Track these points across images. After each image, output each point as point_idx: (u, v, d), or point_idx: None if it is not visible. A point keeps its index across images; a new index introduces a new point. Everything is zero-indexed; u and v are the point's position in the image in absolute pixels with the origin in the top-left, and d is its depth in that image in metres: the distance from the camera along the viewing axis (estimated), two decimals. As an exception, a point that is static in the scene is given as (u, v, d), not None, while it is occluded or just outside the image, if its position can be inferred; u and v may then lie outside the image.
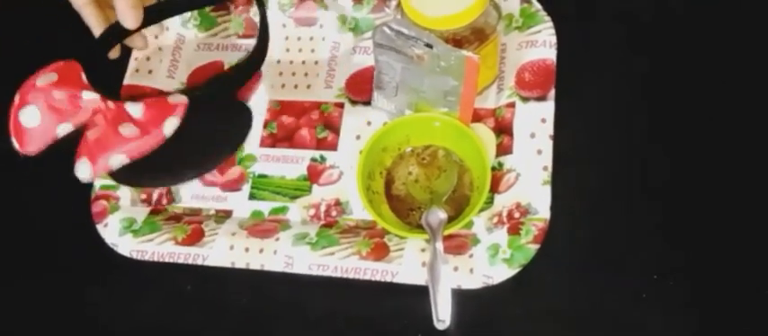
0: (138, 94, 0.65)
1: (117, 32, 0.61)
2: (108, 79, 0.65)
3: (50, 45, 0.65)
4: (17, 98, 0.53)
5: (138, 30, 0.62)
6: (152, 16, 0.62)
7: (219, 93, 0.60)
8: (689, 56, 0.59)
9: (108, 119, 0.53)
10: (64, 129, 0.53)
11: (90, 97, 0.53)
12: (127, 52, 0.66)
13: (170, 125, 0.53)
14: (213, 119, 0.59)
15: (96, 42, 0.61)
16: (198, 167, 0.59)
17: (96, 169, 0.53)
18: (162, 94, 0.56)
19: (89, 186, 0.61)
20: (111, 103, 0.54)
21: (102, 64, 0.61)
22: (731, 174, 0.55)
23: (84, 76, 0.54)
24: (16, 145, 0.53)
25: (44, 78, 0.53)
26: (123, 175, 0.57)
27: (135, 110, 0.53)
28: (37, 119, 0.53)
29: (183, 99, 0.54)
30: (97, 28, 0.62)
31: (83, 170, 0.53)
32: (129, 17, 0.59)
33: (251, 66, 0.61)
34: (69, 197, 0.61)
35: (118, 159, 0.53)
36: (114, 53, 0.64)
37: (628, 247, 0.54)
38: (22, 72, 0.55)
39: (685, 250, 0.53)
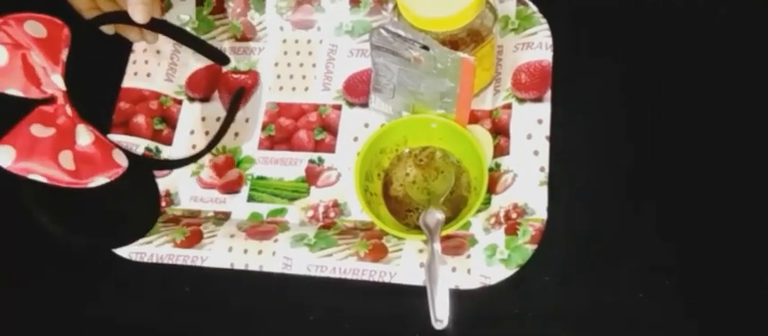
0: (136, 99, 0.65)
1: (116, 18, 0.61)
2: (106, 81, 0.66)
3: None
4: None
5: (140, 28, 0.62)
6: (157, 25, 0.62)
7: (158, 167, 0.60)
8: (686, 55, 0.60)
9: (57, 128, 0.51)
10: (12, 91, 0.51)
11: (57, 83, 0.51)
12: (125, 54, 0.67)
13: (98, 181, 0.52)
14: (133, 194, 0.58)
15: (90, 21, 0.60)
16: (95, 235, 0.58)
17: (14, 167, 0.50)
18: (111, 143, 0.55)
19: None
20: (68, 109, 0.52)
21: (98, 58, 0.61)
22: (728, 173, 0.55)
23: (65, 53, 0.52)
24: None
25: (32, 27, 0.51)
26: (31, 198, 0.55)
27: (84, 137, 0.52)
28: (1, 62, 0.50)
29: (124, 162, 0.53)
30: (86, 13, 0.61)
31: (3, 157, 0.50)
32: (138, 12, 0.58)
33: (202, 152, 0.61)
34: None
35: (37, 177, 0.51)
36: (109, 29, 0.64)
37: (625, 246, 0.54)
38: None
39: (682, 249, 0.54)
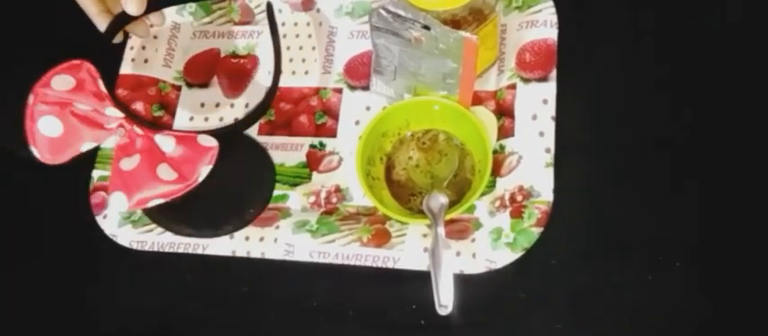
0: (134, 85, 0.64)
1: (120, 22, 0.61)
2: (104, 69, 0.65)
3: (49, 26, 0.65)
4: (32, 100, 0.53)
5: (140, 17, 0.61)
6: (153, 3, 0.61)
7: (244, 128, 0.60)
8: (693, 33, 0.58)
9: (141, 152, 0.53)
10: (87, 146, 0.54)
11: (114, 114, 0.53)
12: (123, 41, 0.66)
13: (204, 172, 0.54)
14: (241, 164, 0.58)
15: (103, 36, 0.61)
16: (229, 220, 0.57)
17: (132, 205, 0.54)
18: (192, 133, 0.56)
19: (88, 177, 0.61)
20: (137, 128, 0.54)
21: (100, 53, 0.60)
22: (737, 155, 0.54)
23: (101, 84, 0.54)
24: (36, 153, 0.53)
25: (61, 81, 0.53)
26: (155, 215, 0.57)
27: (167, 144, 0.54)
28: (58, 130, 0.53)
29: (213, 142, 0.55)
30: (96, 17, 0.61)
31: (119, 204, 0.53)
32: (132, 3, 0.58)
33: (267, 100, 0.61)
34: (68, 188, 0.61)
35: (155, 201, 0.54)
36: (117, 38, 0.64)
37: (632, 229, 0.53)
38: (22, 56, 0.54)
39: (691, 231, 0.53)
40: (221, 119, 0.62)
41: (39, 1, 0.68)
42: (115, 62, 0.65)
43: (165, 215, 0.57)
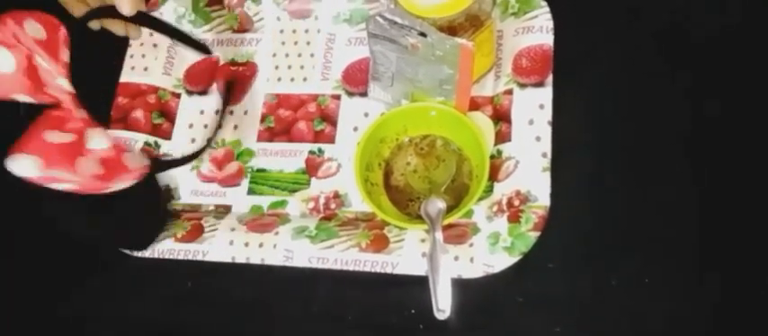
0: (134, 93, 0.65)
1: (104, 14, 0.61)
2: (104, 77, 0.65)
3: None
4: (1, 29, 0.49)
5: (125, 21, 0.61)
6: (141, 19, 0.61)
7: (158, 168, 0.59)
8: (689, 36, 0.59)
9: (75, 133, 0.50)
10: (23, 99, 0.49)
11: (64, 86, 0.50)
12: (122, 49, 0.66)
13: (118, 185, 0.51)
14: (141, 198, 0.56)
15: (78, 20, 0.59)
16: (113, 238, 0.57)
17: (39, 177, 0.48)
18: (123, 146, 0.53)
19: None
20: (79, 113, 0.50)
21: (95, 54, 0.60)
22: (736, 157, 0.54)
23: (66, 54, 0.51)
24: None
25: (33, 28, 0.50)
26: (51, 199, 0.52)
27: (99, 141, 0.50)
28: (10, 68, 0.48)
29: (143, 163, 0.52)
30: (74, 6, 0.61)
31: (26, 167, 0.48)
32: (126, 5, 0.58)
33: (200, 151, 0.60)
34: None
35: (66, 185, 0.49)
36: (95, 25, 0.64)
37: (630, 232, 0.54)
38: None
39: (688, 234, 0.53)
40: (220, 127, 0.63)
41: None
42: (115, 70, 0.66)
43: (58, 205, 0.52)
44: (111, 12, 0.59)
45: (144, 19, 0.62)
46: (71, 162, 0.49)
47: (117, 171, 0.51)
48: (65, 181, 0.49)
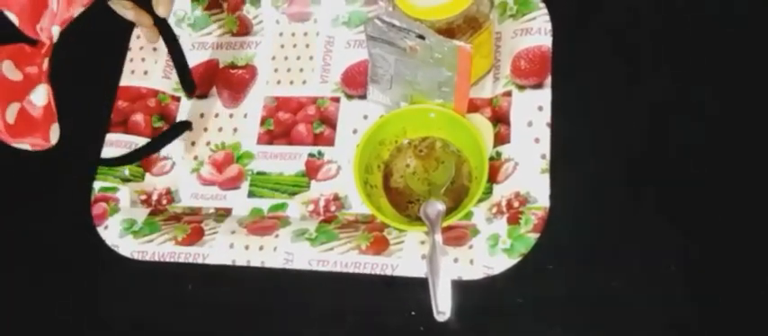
0: (134, 97, 0.65)
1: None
2: (104, 77, 0.65)
3: None
4: None
5: (155, 23, 0.61)
6: (166, 29, 0.61)
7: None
8: (688, 37, 0.59)
9: (24, 78, 0.48)
10: (8, 15, 0.48)
11: (51, 34, 0.49)
12: (122, 53, 0.66)
13: (22, 145, 0.49)
14: None
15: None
16: None
17: None
18: (54, 116, 0.51)
19: (89, 189, 0.62)
20: (45, 64, 0.49)
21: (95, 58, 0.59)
22: (732, 159, 0.54)
23: (78, 11, 0.50)
24: None
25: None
26: None
27: (39, 97, 0.49)
28: None
29: (53, 141, 0.50)
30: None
31: None
32: (162, 5, 0.57)
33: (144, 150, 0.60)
34: (69, 200, 0.62)
35: None
36: (129, 14, 0.61)
37: (629, 233, 0.54)
38: None
39: (686, 235, 0.53)
40: (220, 130, 0.63)
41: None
42: (115, 74, 0.66)
43: None
44: (147, 3, 0.58)
45: (167, 30, 0.61)
46: (1, 102, 0.48)
47: (29, 132, 0.50)
48: None
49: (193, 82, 0.63)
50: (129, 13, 0.61)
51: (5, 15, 0.49)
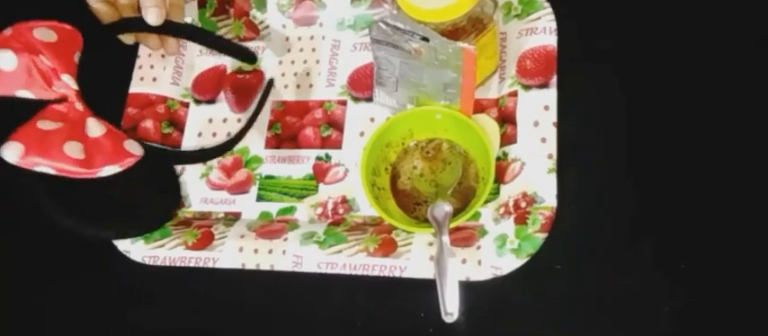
0: (143, 103, 0.66)
1: (133, 25, 0.61)
2: (113, 85, 0.66)
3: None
4: (7, 32, 0.51)
5: (158, 33, 0.62)
6: (171, 28, 0.62)
7: (174, 161, 0.60)
8: (695, 35, 0.58)
9: (66, 122, 0.51)
10: (23, 94, 0.52)
11: (67, 84, 0.51)
12: (131, 60, 0.67)
13: (108, 170, 0.52)
14: (147, 185, 0.58)
15: (109, 26, 0.61)
16: (112, 227, 0.58)
17: (21, 161, 0.51)
18: (124, 133, 0.55)
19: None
20: (79, 105, 0.52)
21: (105, 65, 0.60)
22: (742, 157, 0.54)
23: (78, 56, 0.52)
24: None
25: (42, 33, 0.52)
26: (41, 183, 0.54)
27: (95, 129, 0.52)
28: (11, 66, 0.51)
29: (139, 152, 0.53)
30: (108, 21, 0.62)
31: (11, 153, 0.50)
32: (152, 14, 0.59)
33: (225, 146, 0.61)
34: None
35: (45, 169, 0.51)
36: (128, 38, 0.65)
37: (637, 232, 0.53)
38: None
39: (696, 234, 0.53)
40: (229, 135, 0.63)
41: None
42: (124, 81, 0.67)
43: (54, 198, 0.55)
44: (142, 24, 0.59)
45: (177, 29, 0.62)
46: (58, 147, 0.50)
47: (109, 156, 0.52)
48: (47, 164, 0.51)
49: (247, 49, 0.64)
50: (130, 39, 0.63)
51: (20, 96, 0.52)
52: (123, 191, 0.54)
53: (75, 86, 0.52)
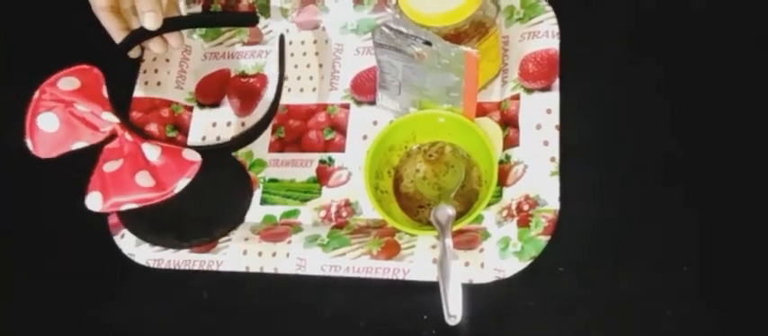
0: (148, 108, 0.66)
1: (138, 37, 0.63)
2: (118, 92, 0.67)
3: (67, 37, 0.68)
4: (37, 95, 0.54)
5: (159, 34, 0.63)
6: (170, 24, 0.63)
7: (231, 149, 0.62)
8: (694, 39, 0.58)
9: (125, 157, 0.54)
10: (79, 145, 0.55)
11: (109, 119, 0.54)
12: (135, 64, 0.68)
13: (181, 184, 0.54)
14: (219, 180, 0.60)
15: (117, 47, 0.62)
16: (201, 233, 0.60)
17: (106, 207, 0.54)
18: (177, 147, 0.57)
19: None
20: (128, 135, 0.55)
21: (115, 71, 0.62)
22: (743, 158, 0.54)
23: (105, 90, 0.55)
24: (30, 145, 0.54)
25: (66, 83, 0.54)
26: (128, 219, 0.60)
27: (152, 153, 0.54)
28: (55, 126, 0.54)
29: (197, 157, 0.55)
30: (115, 33, 0.63)
31: (94, 204, 0.54)
32: (149, 18, 0.60)
33: (263, 123, 0.62)
34: (86, 210, 0.63)
35: (128, 205, 0.54)
36: (134, 52, 0.66)
37: (640, 235, 0.54)
38: (36, 63, 0.55)
39: (698, 237, 0.53)
40: (232, 139, 0.64)
41: (59, 18, 0.71)
42: (129, 85, 0.67)
43: (142, 222, 0.59)
44: (145, 34, 0.61)
45: (175, 24, 0.63)
46: (130, 181, 0.54)
47: (175, 172, 0.54)
48: (128, 201, 0.54)
49: (246, 12, 0.66)
50: (135, 52, 0.64)
51: (76, 148, 0.54)
52: (198, 197, 0.56)
53: (116, 119, 0.54)
